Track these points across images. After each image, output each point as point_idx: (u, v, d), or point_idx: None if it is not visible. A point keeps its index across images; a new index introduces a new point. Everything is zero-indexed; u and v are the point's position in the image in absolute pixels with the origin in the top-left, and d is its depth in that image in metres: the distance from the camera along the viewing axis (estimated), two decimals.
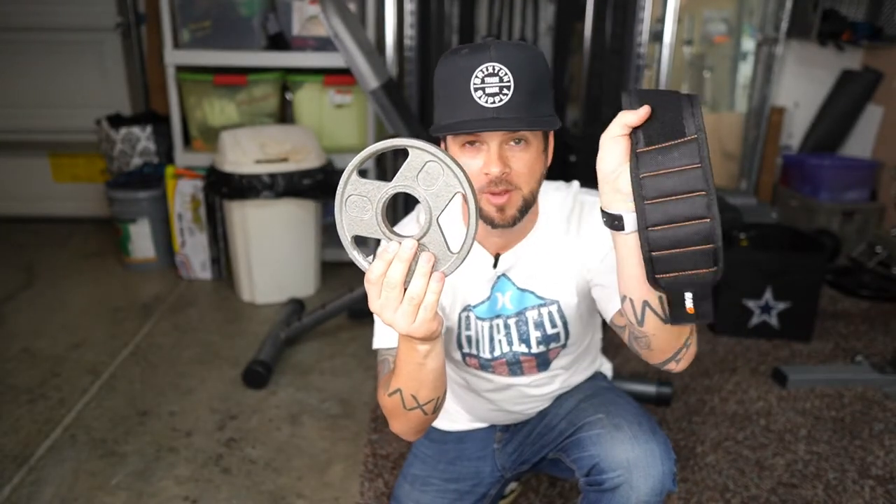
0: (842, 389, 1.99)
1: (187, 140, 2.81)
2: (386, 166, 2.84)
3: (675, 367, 0.95)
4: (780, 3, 3.13)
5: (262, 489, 1.56)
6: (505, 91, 0.87)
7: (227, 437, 1.75)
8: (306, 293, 2.62)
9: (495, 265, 1.06)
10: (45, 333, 2.28)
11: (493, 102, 0.87)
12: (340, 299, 2.17)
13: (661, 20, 2.66)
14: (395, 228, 0.76)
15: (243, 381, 1.97)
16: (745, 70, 3.40)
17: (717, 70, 3.43)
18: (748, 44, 3.36)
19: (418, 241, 0.71)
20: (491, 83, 0.86)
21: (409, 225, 1.11)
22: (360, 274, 3.02)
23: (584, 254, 1.05)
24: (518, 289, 1.08)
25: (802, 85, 3.35)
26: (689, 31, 3.30)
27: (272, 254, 2.51)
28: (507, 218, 0.96)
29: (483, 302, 1.09)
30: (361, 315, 2.39)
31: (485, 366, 1.14)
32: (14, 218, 3.42)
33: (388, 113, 1.99)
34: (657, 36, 2.70)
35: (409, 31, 2.55)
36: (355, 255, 0.74)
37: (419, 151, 0.68)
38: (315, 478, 1.60)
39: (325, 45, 2.65)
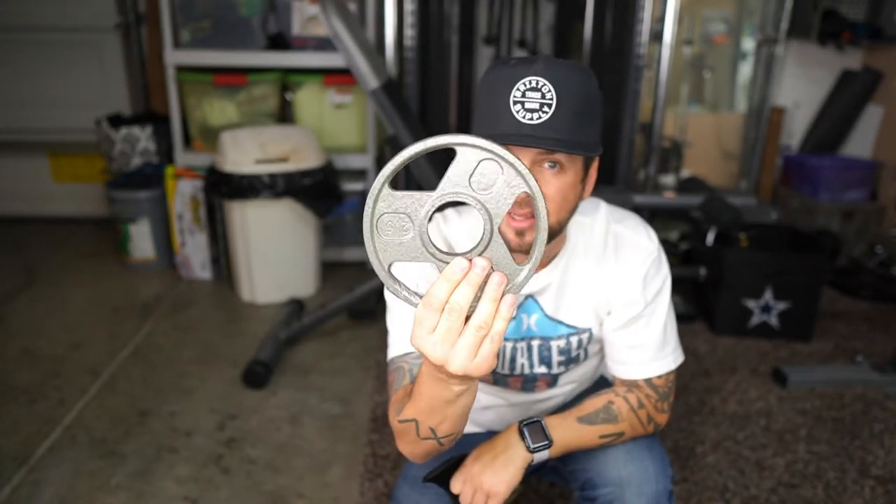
0: (842, 389, 1.99)
1: (187, 140, 2.81)
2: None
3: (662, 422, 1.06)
4: (780, 3, 3.12)
5: (262, 489, 1.56)
6: (545, 108, 0.80)
7: (227, 437, 1.75)
8: (306, 293, 2.62)
9: None
10: (45, 333, 2.28)
11: (532, 119, 0.80)
12: (340, 299, 2.17)
13: (661, 20, 2.66)
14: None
15: (243, 381, 1.97)
16: (745, 70, 3.40)
17: (717, 70, 3.43)
18: (748, 44, 3.36)
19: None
20: (532, 98, 0.79)
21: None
22: (359, 274, 3.00)
23: (612, 291, 1.02)
24: (547, 317, 1.05)
25: (802, 85, 3.35)
26: (689, 31, 3.30)
27: (272, 254, 2.50)
28: (525, 244, 0.88)
29: None
30: (361, 315, 2.40)
31: (499, 381, 1.12)
32: (14, 218, 3.42)
33: (389, 113, 1.99)
34: (657, 36, 2.70)
35: (409, 31, 2.55)
36: (397, 289, 0.62)
37: (470, 149, 0.56)
38: (315, 478, 1.60)
39: (325, 45, 2.65)
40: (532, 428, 0.96)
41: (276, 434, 1.76)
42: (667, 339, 1.03)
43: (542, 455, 0.95)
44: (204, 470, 1.62)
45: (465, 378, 0.64)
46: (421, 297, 0.61)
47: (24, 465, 1.61)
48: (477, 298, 0.60)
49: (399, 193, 0.58)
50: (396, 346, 1.00)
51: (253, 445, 1.71)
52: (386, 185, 0.57)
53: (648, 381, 1.03)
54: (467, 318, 0.60)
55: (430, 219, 0.59)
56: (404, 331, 0.97)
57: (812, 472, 1.63)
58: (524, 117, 0.80)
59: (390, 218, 0.58)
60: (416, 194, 0.58)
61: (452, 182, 0.57)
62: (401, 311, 0.98)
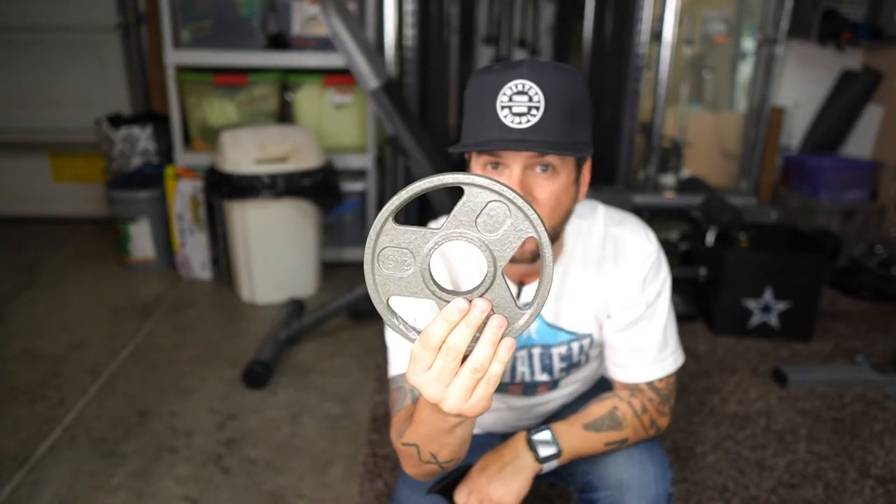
0: (842, 389, 1.99)
1: (187, 140, 2.81)
2: (386, 166, 2.85)
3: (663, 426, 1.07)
4: (780, 3, 3.13)
5: (262, 489, 1.56)
6: (533, 112, 0.79)
7: (227, 437, 1.75)
8: (306, 293, 2.62)
9: (519, 295, 1.01)
10: (45, 333, 2.28)
11: (520, 123, 0.79)
12: (340, 299, 2.17)
13: (661, 20, 2.66)
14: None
15: (243, 381, 1.97)
16: (745, 70, 3.40)
17: (717, 70, 3.43)
18: (748, 44, 3.36)
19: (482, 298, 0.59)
20: (519, 102, 0.79)
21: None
22: (359, 274, 3.00)
23: (611, 294, 1.02)
24: (547, 324, 1.04)
25: (802, 85, 3.35)
26: (689, 31, 3.30)
27: (272, 254, 2.51)
28: (525, 252, 0.89)
29: None
30: (361, 315, 2.39)
31: (499, 388, 1.11)
32: (14, 218, 3.42)
33: (389, 113, 1.99)
34: (657, 36, 2.70)
35: (409, 31, 2.55)
36: (395, 323, 0.60)
37: (479, 190, 0.55)
38: (315, 478, 1.60)
39: (325, 45, 2.65)
40: (541, 437, 0.95)
41: (276, 434, 1.76)
42: (667, 341, 1.03)
43: (551, 464, 0.95)
44: (204, 470, 1.62)
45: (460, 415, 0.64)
46: (419, 332, 0.60)
47: (24, 465, 1.61)
48: (476, 339, 0.59)
49: (402, 228, 0.57)
50: (397, 364, 0.99)
51: (253, 445, 1.71)
52: (390, 219, 0.56)
53: (650, 384, 1.03)
54: (465, 358, 0.59)
55: (432, 256, 0.58)
56: (404, 349, 0.97)
57: (812, 472, 1.63)
58: (512, 122, 0.79)
59: (392, 252, 0.58)
60: (420, 230, 0.57)
61: (458, 221, 0.56)
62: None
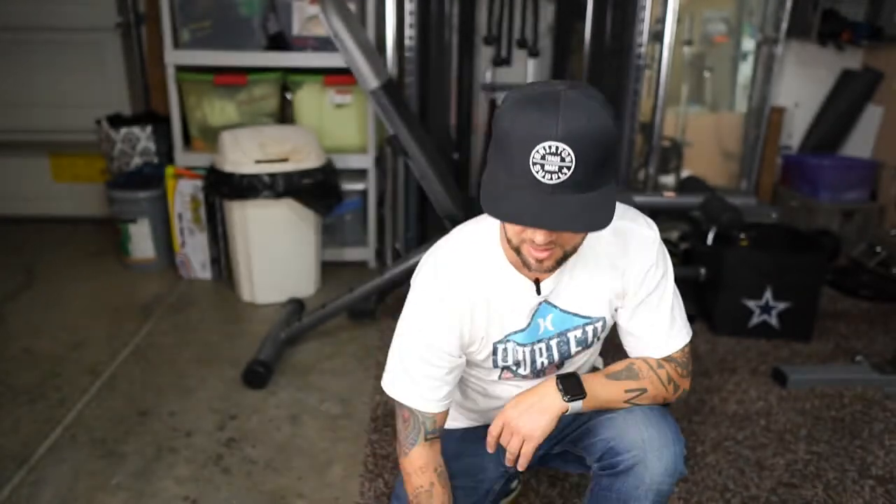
0: (842, 389, 1.99)
1: (187, 140, 2.81)
2: (386, 167, 2.85)
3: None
4: (780, 3, 3.13)
5: (262, 489, 1.56)
6: (565, 170, 0.84)
7: (227, 437, 1.75)
8: (306, 293, 2.62)
9: (538, 291, 1.06)
10: (45, 333, 2.28)
11: (551, 179, 0.84)
12: (340, 299, 2.17)
13: (661, 20, 2.67)
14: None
15: (243, 381, 1.97)
16: (745, 70, 3.40)
17: (717, 70, 3.43)
18: (748, 44, 3.36)
19: None
20: (551, 161, 0.83)
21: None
22: (359, 274, 3.00)
23: (621, 281, 1.08)
24: (561, 311, 1.09)
25: (802, 85, 3.35)
26: (689, 31, 3.30)
27: (272, 254, 2.51)
28: (545, 268, 0.96)
29: (522, 330, 1.09)
30: (361, 315, 2.40)
31: (518, 380, 1.17)
32: (14, 218, 3.42)
33: (389, 113, 1.99)
34: (657, 36, 2.70)
35: (409, 31, 2.55)
36: None
37: None
38: (315, 478, 1.60)
39: (325, 45, 2.64)
40: (568, 381, 1.04)
41: (276, 434, 1.76)
42: (675, 318, 1.12)
43: (577, 406, 1.03)
44: (204, 470, 1.62)
45: None
46: None
47: (24, 465, 1.61)
48: None
49: None
50: (400, 387, 1.11)
51: (253, 445, 1.71)
52: None
53: (668, 357, 1.12)
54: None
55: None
56: (417, 380, 1.08)
57: (812, 472, 1.63)
58: (544, 178, 0.84)
59: None
60: None
61: None
62: (415, 356, 1.07)
